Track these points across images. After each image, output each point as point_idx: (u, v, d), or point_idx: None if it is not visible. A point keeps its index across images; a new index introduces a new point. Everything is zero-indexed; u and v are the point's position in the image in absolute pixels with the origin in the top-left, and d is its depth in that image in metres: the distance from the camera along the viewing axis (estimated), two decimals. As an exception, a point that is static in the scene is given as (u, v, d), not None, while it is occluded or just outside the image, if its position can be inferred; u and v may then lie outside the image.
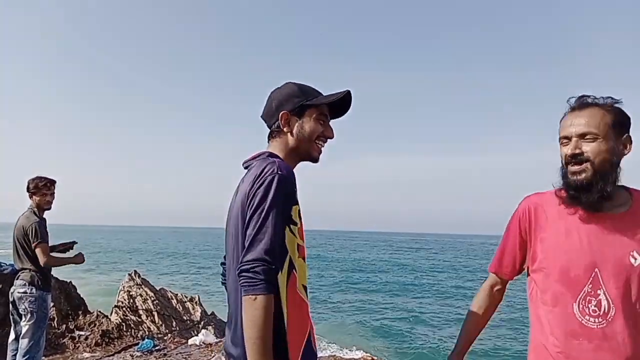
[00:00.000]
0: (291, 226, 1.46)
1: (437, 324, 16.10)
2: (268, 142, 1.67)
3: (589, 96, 1.59)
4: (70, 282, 7.60)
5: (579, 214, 1.57)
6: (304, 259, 1.52)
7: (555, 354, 1.53)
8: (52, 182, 4.11)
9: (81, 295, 7.65)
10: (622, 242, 1.53)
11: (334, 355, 6.22)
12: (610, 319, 1.49)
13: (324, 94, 1.66)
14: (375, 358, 6.24)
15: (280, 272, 1.41)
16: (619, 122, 1.54)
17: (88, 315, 7.13)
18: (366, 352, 6.86)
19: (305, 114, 1.62)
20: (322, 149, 1.66)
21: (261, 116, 1.70)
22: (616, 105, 1.56)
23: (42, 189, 4.05)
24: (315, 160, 1.66)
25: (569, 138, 1.56)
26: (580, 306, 1.51)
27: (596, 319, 1.50)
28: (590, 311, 1.50)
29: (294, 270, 1.45)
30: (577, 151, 1.52)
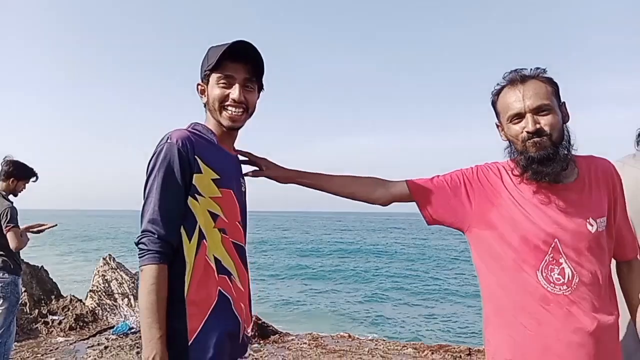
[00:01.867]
0: (196, 195, 1.44)
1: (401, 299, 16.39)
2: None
3: (523, 69, 1.59)
4: (42, 266, 7.47)
5: (535, 186, 1.58)
6: (221, 230, 1.49)
7: (527, 320, 1.54)
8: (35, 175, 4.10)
9: (53, 280, 7.53)
10: (578, 210, 1.55)
11: (311, 333, 6.27)
12: (574, 286, 1.52)
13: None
14: (352, 335, 6.32)
15: (189, 241, 1.42)
16: (557, 91, 1.58)
17: (61, 300, 7.04)
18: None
19: (210, 81, 1.58)
20: (236, 114, 1.57)
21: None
22: (546, 75, 1.58)
23: (27, 178, 4.02)
24: (227, 127, 1.59)
25: (521, 115, 1.54)
26: (544, 274, 1.53)
27: (561, 287, 1.52)
28: (554, 279, 1.52)
29: (204, 240, 1.44)
30: (538, 126, 1.51)
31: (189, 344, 1.38)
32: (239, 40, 1.52)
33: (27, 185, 4.07)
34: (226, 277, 1.48)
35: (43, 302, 6.92)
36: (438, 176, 1.76)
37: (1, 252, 3.85)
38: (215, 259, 1.46)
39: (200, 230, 1.44)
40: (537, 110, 1.52)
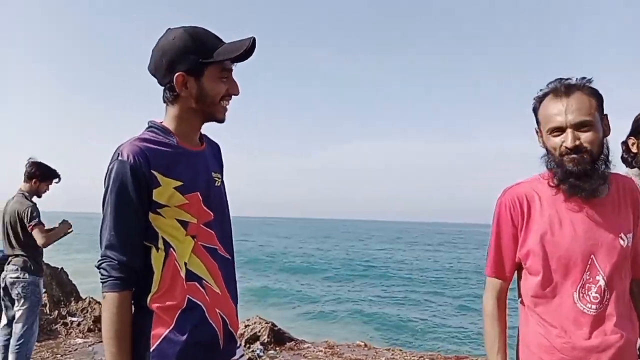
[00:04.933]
0: (158, 210, 1.37)
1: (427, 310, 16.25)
2: (164, 102, 1.49)
3: (568, 79, 1.56)
4: (62, 268, 7.56)
5: (569, 201, 1.55)
6: (193, 236, 1.43)
7: (561, 345, 1.52)
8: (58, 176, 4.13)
9: (73, 282, 7.62)
10: (611, 225, 1.54)
11: (327, 341, 6.25)
12: (606, 302, 1.52)
13: (222, 40, 1.47)
14: (368, 344, 6.28)
15: (156, 251, 1.38)
16: (601, 105, 1.54)
17: (80, 302, 7.10)
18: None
19: (205, 74, 1.42)
20: (228, 107, 1.51)
21: (148, 69, 1.49)
22: (593, 86, 1.55)
23: (50, 179, 4.07)
24: (221, 121, 1.52)
25: (562, 129, 1.51)
26: (580, 294, 1.52)
27: (595, 305, 1.51)
28: (592, 298, 1.51)
29: (171, 249, 1.39)
30: (577, 143, 1.49)
31: (150, 351, 1.35)
32: (253, 39, 1.42)
33: (50, 186, 4.12)
34: (196, 283, 1.42)
35: (62, 303, 6.99)
36: (499, 238, 1.66)
37: (22, 253, 3.89)
38: (186, 266, 1.41)
39: (165, 241, 1.39)
40: (579, 126, 1.49)
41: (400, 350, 6.03)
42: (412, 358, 5.59)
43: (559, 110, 1.51)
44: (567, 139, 1.50)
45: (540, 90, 1.61)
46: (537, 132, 1.65)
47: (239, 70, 1.51)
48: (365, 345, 6.15)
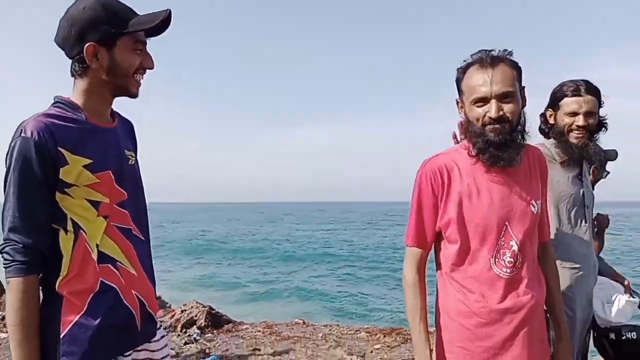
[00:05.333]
0: (66, 190, 1.31)
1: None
2: (72, 76, 1.43)
3: (492, 50, 1.58)
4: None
5: (487, 171, 1.60)
6: (106, 216, 1.38)
7: (478, 309, 1.58)
8: None
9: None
10: (524, 193, 1.61)
11: (265, 321, 6.26)
12: (519, 266, 1.60)
13: (136, 12, 1.41)
14: (306, 321, 6.35)
15: (65, 234, 1.32)
16: (520, 77, 1.59)
17: (4, 295, 6.74)
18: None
19: (118, 44, 1.37)
20: (142, 81, 1.46)
21: (55, 41, 1.42)
22: (513, 58, 1.59)
23: None
24: (134, 95, 1.46)
25: (486, 99, 1.54)
26: (496, 259, 1.59)
27: (509, 269, 1.59)
28: (506, 262, 1.59)
29: (81, 231, 1.34)
30: (501, 113, 1.53)
31: (61, 336, 1.30)
32: (169, 11, 1.38)
33: None
34: (109, 265, 1.38)
35: (-17, 298, 6.61)
36: (420, 208, 1.68)
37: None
38: (98, 248, 1.36)
39: (74, 222, 1.33)
40: (502, 97, 1.53)
41: (338, 325, 6.13)
42: (349, 332, 5.70)
43: (484, 81, 1.53)
44: (491, 110, 1.53)
45: (464, 61, 1.62)
46: (457, 102, 1.68)
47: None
48: (304, 323, 6.22)
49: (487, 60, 1.55)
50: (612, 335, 2.19)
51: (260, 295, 15.46)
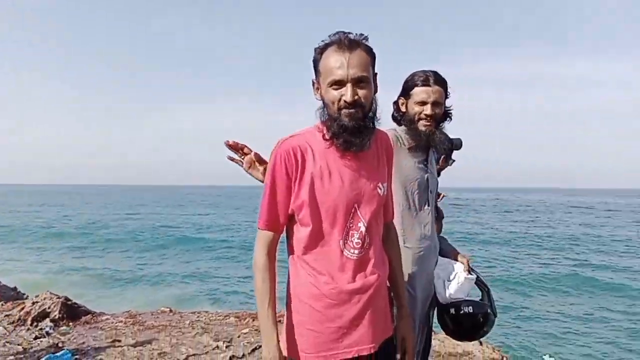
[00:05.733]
0: None
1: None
2: None
3: (349, 33, 1.58)
4: None
5: (339, 154, 1.63)
6: None
7: (329, 291, 1.61)
8: None
9: None
10: (372, 176, 1.66)
11: (129, 311, 5.96)
12: (366, 247, 1.64)
13: None
14: (173, 309, 6.16)
15: None
16: (374, 63, 1.62)
17: None
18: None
19: None
20: None
21: None
22: (368, 43, 1.61)
23: None
24: None
25: (342, 82, 1.54)
26: (345, 241, 1.62)
27: (357, 250, 1.63)
28: (355, 244, 1.62)
29: None
30: (356, 97, 1.54)
31: None
32: None
33: None
34: None
35: None
36: (273, 190, 1.64)
37: None
38: None
39: None
40: (358, 81, 1.54)
41: (207, 312, 6.04)
42: (218, 318, 5.63)
43: (341, 64, 1.53)
44: (346, 93, 1.53)
45: (322, 41, 1.60)
46: (313, 84, 1.67)
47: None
48: (170, 311, 6.03)
49: (345, 42, 1.55)
50: (452, 311, 2.34)
51: (127, 284, 14.68)
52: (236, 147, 1.91)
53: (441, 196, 3.03)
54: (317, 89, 1.65)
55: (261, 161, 1.89)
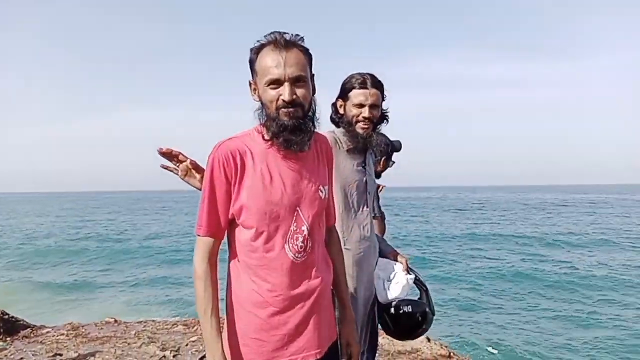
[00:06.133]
0: None
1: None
2: None
3: (285, 33, 1.57)
4: None
5: (280, 155, 1.61)
6: None
7: (273, 298, 1.59)
8: None
9: None
10: (313, 178, 1.67)
11: (71, 323, 5.73)
12: (309, 250, 1.64)
13: None
14: (118, 319, 5.98)
15: None
16: (311, 63, 1.63)
17: None
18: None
19: None
20: None
21: None
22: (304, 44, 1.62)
23: None
24: None
25: (280, 82, 1.54)
26: (290, 245, 1.60)
27: (301, 254, 1.62)
28: (299, 247, 1.61)
29: None
30: (294, 97, 1.54)
31: None
32: None
33: None
34: None
35: None
36: (212, 195, 1.59)
37: None
38: None
39: None
40: (295, 80, 1.54)
41: (154, 320, 5.89)
42: (165, 326, 5.52)
43: (278, 63, 1.53)
44: (284, 92, 1.53)
45: (258, 41, 1.59)
46: (250, 84, 1.65)
47: None
48: (115, 321, 5.83)
49: (281, 42, 1.54)
50: (392, 310, 2.39)
51: (70, 295, 14.11)
52: (170, 155, 1.82)
53: (381, 188, 3.08)
54: (255, 89, 1.63)
55: (198, 168, 1.82)
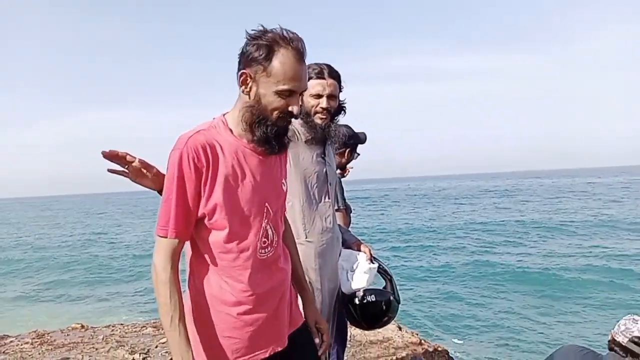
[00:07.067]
0: None
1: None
2: None
3: (301, 39, 1.51)
4: None
5: (248, 151, 1.57)
6: None
7: (246, 297, 1.57)
8: None
9: None
10: (277, 172, 1.67)
11: (35, 331, 5.58)
12: (275, 245, 1.64)
13: None
14: (85, 324, 5.85)
15: None
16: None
17: None
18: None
19: None
20: None
21: None
22: None
23: None
24: None
25: (294, 93, 1.51)
26: (260, 242, 1.58)
27: (269, 249, 1.62)
28: (268, 243, 1.61)
29: None
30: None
31: None
32: None
33: None
34: None
35: None
36: (181, 193, 1.49)
37: None
38: None
39: None
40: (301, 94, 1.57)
41: (122, 324, 5.77)
42: (134, 330, 5.42)
43: (301, 76, 1.50)
44: (295, 107, 1.52)
45: (263, 33, 1.48)
46: (244, 75, 1.52)
47: None
48: (82, 327, 5.69)
49: (304, 52, 1.52)
50: (357, 300, 2.40)
51: (33, 303, 13.77)
52: (116, 157, 1.68)
53: (346, 171, 3.06)
54: (249, 85, 1.52)
55: (148, 167, 1.72)
